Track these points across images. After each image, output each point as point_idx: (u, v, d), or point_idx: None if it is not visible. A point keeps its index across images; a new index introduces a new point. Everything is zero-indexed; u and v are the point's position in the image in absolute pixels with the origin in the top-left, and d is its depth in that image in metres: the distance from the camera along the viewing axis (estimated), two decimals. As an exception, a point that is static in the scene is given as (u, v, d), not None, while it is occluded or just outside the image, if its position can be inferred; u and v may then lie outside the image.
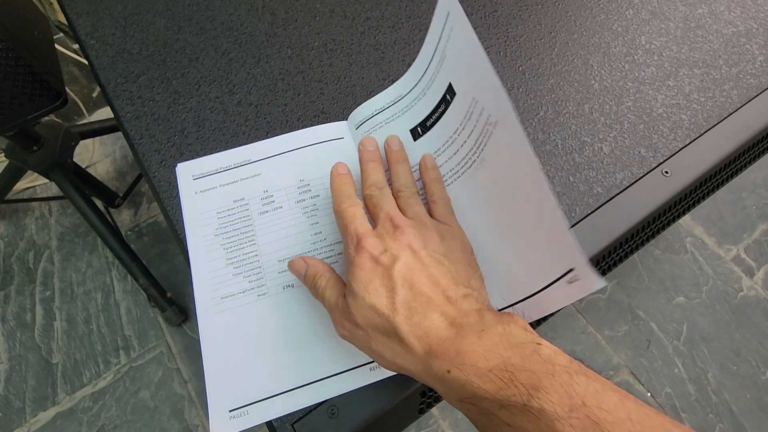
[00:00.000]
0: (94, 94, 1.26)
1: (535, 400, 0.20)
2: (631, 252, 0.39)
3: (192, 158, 0.38)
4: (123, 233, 1.13)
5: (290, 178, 0.36)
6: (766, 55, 0.44)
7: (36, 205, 1.20)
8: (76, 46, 1.15)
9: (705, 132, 0.39)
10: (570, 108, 0.41)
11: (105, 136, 1.23)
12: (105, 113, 1.28)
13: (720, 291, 1.08)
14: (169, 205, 0.36)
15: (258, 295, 0.32)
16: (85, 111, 1.20)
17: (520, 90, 0.42)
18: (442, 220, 0.30)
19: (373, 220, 0.30)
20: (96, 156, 1.25)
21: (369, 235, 0.28)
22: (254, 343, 0.31)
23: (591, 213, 0.36)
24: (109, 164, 1.24)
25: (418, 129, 0.35)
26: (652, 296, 1.07)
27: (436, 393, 0.33)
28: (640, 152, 0.39)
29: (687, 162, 0.38)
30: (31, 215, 1.19)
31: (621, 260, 0.38)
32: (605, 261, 0.36)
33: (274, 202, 0.35)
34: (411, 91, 0.37)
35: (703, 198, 0.41)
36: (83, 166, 1.20)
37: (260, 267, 0.33)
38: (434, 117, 0.34)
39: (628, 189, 0.37)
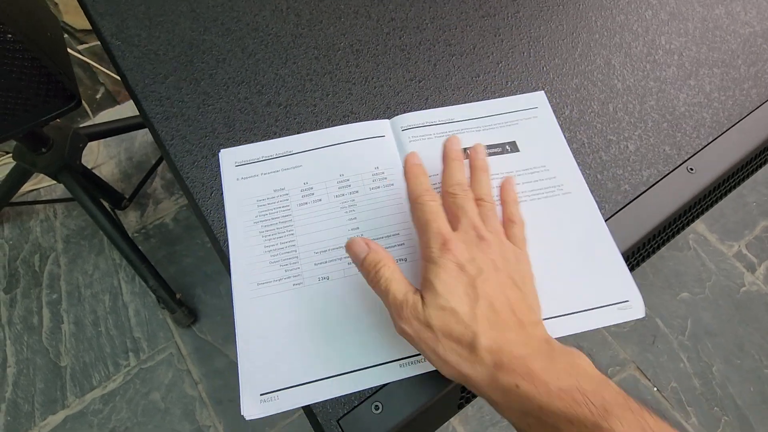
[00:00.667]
0: (98, 96, 1.25)
1: (606, 421, 0.21)
2: (659, 247, 0.40)
3: (224, 159, 0.38)
4: (130, 235, 1.13)
5: (330, 172, 0.37)
6: (782, 55, 0.45)
7: (41, 208, 1.19)
8: (80, 47, 1.15)
9: (727, 130, 0.40)
10: (594, 107, 0.42)
11: (109, 138, 1.22)
12: (108, 115, 1.27)
13: (723, 286, 1.10)
14: (204, 205, 0.36)
15: (294, 285, 0.33)
16: (90, 112, 1.20)
17: (545, 89, 0.43)
18: (517, 244, 0.30)
19: (451, 220, 0.29)
20: (101, 158, 1.24)
21: (456, 239, 0.27)
22: (288, 331, 0.31)
23: (620, 210, 0.37)
24: (114, 166, 1.24)
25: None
26: (656, 292, 1.09)
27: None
28: (664, 150, 0.39)
29: (711, 159, 0.39)
30: (36, 218, 1.18)
31: (650, 255, 0.39)
32: (634, 257, 0.37)
33: (313, 194, 0.36)
34: (465, 121, 0.40)
35: (726, 194, 0.42)
36: (88, 168, 1.20)
37: (297, 257, 0.33)
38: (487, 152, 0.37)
39: (655, 186, 0.38)
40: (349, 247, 0.30)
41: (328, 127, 0.39)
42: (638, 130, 0.40)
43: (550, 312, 0.31)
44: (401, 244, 0.34)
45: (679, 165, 0.39)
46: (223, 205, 0.36)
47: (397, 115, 0.40)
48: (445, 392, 0.30)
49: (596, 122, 0.41)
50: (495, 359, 0.24)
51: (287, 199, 0.36)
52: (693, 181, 0.38)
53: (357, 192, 0.36)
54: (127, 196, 1.12)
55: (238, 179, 0.37)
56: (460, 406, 0.34)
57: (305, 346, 0.31)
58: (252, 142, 0.39)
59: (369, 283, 0.29)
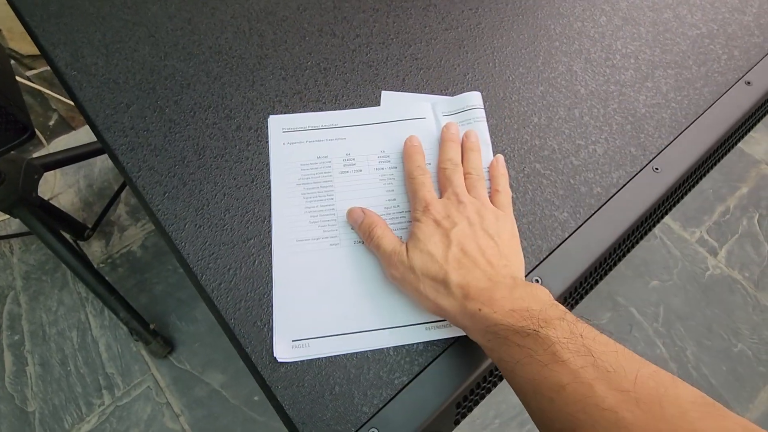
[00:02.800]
0: (51, 123, 1.19)
1: (544, 330, 0.26)
2: (635, 244, 0.41)
3: (195, 188, 0.37)
4: (95, 266, 1.08)
5: (373, 146, 0.39)
6: (728, 54, 0.47)
7: (-5, 245, 1.12)
8: (28, 73, 1.09)
9: (686, 129, 0.42)
10: (561, 113, 0.43)
11: (67, 166, 1.17)
12: (64, 142, 1.22)
13: (689, 272, 1.15)
14: (177, 238, 0.35)
15: (330, 245, 0.35)
16: (43, 140, 1.14)
17: (513, 98, 0.43)
18: (501, 208, 0.35)
19: (441, 191, 0.36)
20: (58, 187, 1.18)
21: (436, 202, 0.34)
22: (322, 286, 0.34)
23: (595, 212, 0.38)
24: (73, 195, 1.18)
25: None
26: (629, 282, 1.13)
27: (469, 404, 0.34)
28: (630, 151, 0.41)
29: (674, 158, 0.41)
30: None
31: (626, 253, 0.40)
32: (611, 257, 0.38)
33: (355, 164, 0.38)
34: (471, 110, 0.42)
35: (691, 189, 0.44)
36: (45, 198, 1.14)
37: (335, 220, 0.36)
38: None
39: (625, 187, 0.39)
40: (348, 216, 0.36)
41: None
42: (604, 134, 0.42)
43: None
44: None
45: (645, 165, 0.40)
46: (200, 235, 0.35)
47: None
48: (441, 410, 0.30)
49: (564, 128, 0.42)
50: (464, 292, 0.30)
51: (329, 166, 0.38)
52: (659, 180, 0.39)
53: (396, 168, 0.38)
54: (90, 226, 1.07)
55: (284, 144, 0.39)
56: (456, 422, 0.33)
57: (338, 302, 0.33)
58: (224, 168, 0.38)
59: (365, 242, 0.35)
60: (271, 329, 0.32)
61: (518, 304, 0.28)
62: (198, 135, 0.40)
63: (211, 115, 0.41)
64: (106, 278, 0.94)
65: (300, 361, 0.31)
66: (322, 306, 0.33)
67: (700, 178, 0.44)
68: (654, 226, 0.41)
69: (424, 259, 0.31)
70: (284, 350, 0.31)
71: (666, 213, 0.42)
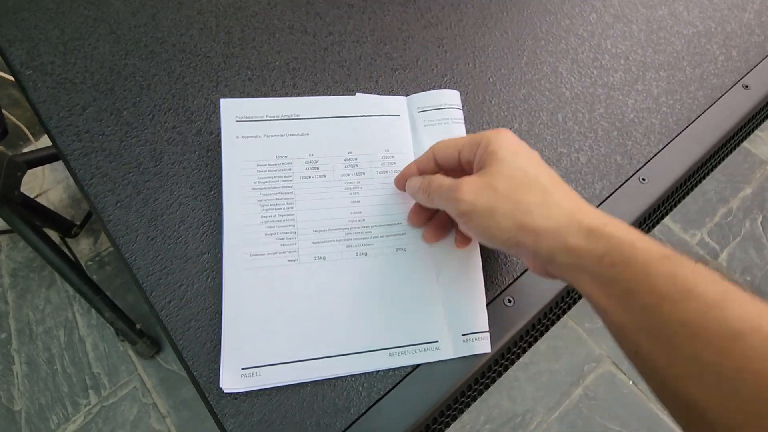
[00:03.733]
0: (41, 118, 1.18)
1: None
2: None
3: (150, 197, 0.35)
4: (83, 264, 1.06)
5: (339, 146, 0.36)
6: (726, 55, 0.44)
7: (-17, 241, 1.11)
8: (16, 68, 1.07)
9: (676, 136, 0.40)
10: (543, 118, 0.40)
11: (56, 162, 1.15)
12: (54, 137, 1.20)
13: (688, 275, 1.12)
14: (128, 251, 0.33)
15: (288, 260, 0.32)
16: (30, 136, 1.12)
17: (493, 102, 0.41)
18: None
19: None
20: (47, 183, 1.17)
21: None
22: (277, 307, 0.31)
23: (574, 226, 0.35)
24: (62, 191, 1.17)
25: None
26: (626, 285, 1.10)
27: (446, 419, 0.32)
28: (616, 160, 0.38)
29: (662, 167, 0.38)
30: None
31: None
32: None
33: (318, 168, 0.35)
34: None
35: (680, 201, 0.41)
36: (33, 195, 1.12)
37: (294, 233, 0.33)
38: None
39: (608, 199, 0.37)
40: (408, 187, 0.32)
41: None
42: (589, 140, 0.39)
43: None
44: (402, 234, 0.34)
45: (631, 176, 0.38)
46: (152, 248, 0.33)
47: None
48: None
49: (546, 134, 0.39)
50: (573, 203, 0.26)
51: (290, 169, 0.35)
52: (645, 192, 0.37)
53: (363, 174, 0.35)
54: (78, 223, 1.06)
55: (238, 137, 0.35)
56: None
57: (293, 325, 0.31)
58: (182, 175, 0.36)
59: (437, 197, 0.29)
60: (220, 353, 0.30)
61: (635, 230, 0.24)
62: (156, 140, 0.38)
63: (171, 118, 0.39)
64: (94, 276, 0.93)
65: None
66: (276, 329, 0.31)
67: (691, 189, 0.42)
68: (639, 240, 0.39)
69: (519, 163, 0.27)
70: (232, 380, 0.29)
71: (653, 226, 0.39)
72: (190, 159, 0.37)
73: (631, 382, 0.99)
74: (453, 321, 0.31)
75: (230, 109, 0.36)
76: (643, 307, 0.21)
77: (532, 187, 0.25)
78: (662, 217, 0.40)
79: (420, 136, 0.37)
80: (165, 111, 0.39)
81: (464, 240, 0.32)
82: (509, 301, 0.33)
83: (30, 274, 1.07)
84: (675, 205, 0.41)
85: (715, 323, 0.19)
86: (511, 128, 0.39)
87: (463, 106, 0.40)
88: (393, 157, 0.36)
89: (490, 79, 0.42)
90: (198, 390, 0.30)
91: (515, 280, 0.33)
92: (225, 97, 0.40)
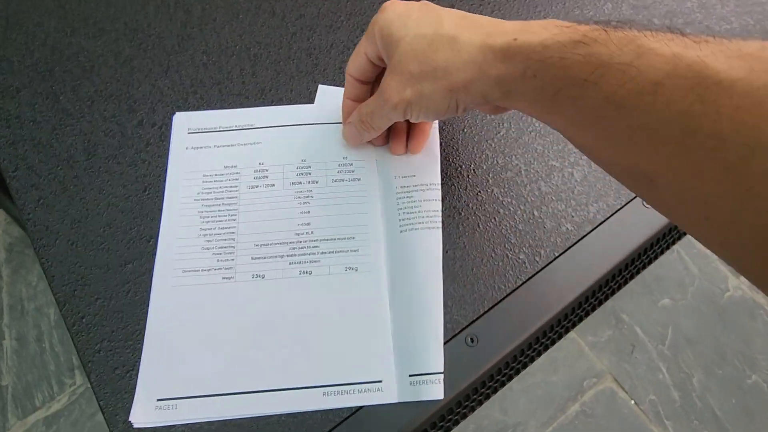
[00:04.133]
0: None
1: (600, 33, 0.20)
2: (605, 299, 0.33)
3: (77, 195, 0.31)
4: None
5: (292, 155, 0.33)
6: (763, 57, 0.38)
7: (-19, 214, 1.11)
8: None
9: (693, 152, 0.33)
10: (536, 125, 0.35)
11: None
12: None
13: (705, 291, 1.04)
14: (45, 255, 0.29)
15: (223, 278, 0.29)
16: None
17: (479, 102, 0.35)
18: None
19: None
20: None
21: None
22: (204, 331, 0.28)
23: (558, 256, 0.30)
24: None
25: None
26: (636, 298, 1.03)
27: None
28: (617, 178, 0.33)
29: (672, 189, 0.32)
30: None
31: (592, 310, 0.33)
32: (575, 313, 0.31)
33: (267, 177, 0.32)
34: None
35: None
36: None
37: (233, 247, 0.30)
38: None
39: (603, 224, 0.31)
40: (349, 139, 0.32)
41: None
42: (587, 153, 0.33)
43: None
44: (354, 251, 0.30)
45: (634, 198, 0.32)
46: (72, 253, 0.29)
47: None
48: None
49: (537, 143, 0.34)
50: (481, 34, 0.24)
51: (237, 179, 0.32)
52: (649, 218, 0.31)
53: (317, 182, 0.32)
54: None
55: (187, 148, 0.33)
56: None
57: (220, 353, 0.27)
58: (115, 172, 0.32)
59: (375, 122, 0.29)
60: (134, 381, 0.26)
61: (553, 28, 0.21)
62: (92, 130, 0.34)
63: (112, 106, 0.35)
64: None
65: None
66: (201, 357, 0.27)
67: (707, 215, 0.36)
68: (636, 274, 0.33)
69: (413, 40, 0.25)
70: (144, 413, 0.25)
71: (654, 259, 0.34)
72: (126, 154, 0.33)
73: (632, 401, 0.94)
74: (401, 358, 0.27)
75: (183, 121, 0.34)
76: (575, 105, 0.20)
77: (438, 46, 0.24)
78: (667, 248, 0.34)
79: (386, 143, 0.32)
80: (106, 98, 0.35)
81: (419, 135, 0.31)
82: (472, 340, 0.28)
83: (25, 250, 1.07)
84: (684, 235, 0.35)
85: (631, 84, 0.18)
86: (496, 134, 0.34)
87: (441, 107, 0.34)
88: (351, 164, 0.32)
89: (479, 76, 0.36)
90: (106, 421, 0.26)
91: (480, 315, 0.28)
92: (174, 83, 0.35)
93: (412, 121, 0.28)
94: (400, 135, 0.32)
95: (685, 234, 0.35)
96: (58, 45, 0.37)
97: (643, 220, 0.31)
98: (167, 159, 0.32)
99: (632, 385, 0.95)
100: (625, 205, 0.32)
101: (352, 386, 0.26)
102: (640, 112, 0.18)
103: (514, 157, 0.33)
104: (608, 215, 0.31)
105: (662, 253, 0.34)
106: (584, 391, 0.95)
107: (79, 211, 0.31)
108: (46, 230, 0.30)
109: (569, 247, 0.30)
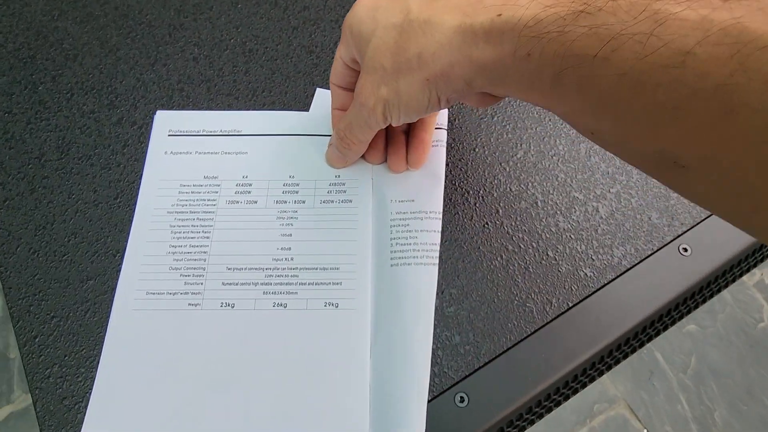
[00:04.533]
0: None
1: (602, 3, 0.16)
2: (624, 358, 0.29)
3: (44, 198, 0.29)
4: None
5: (279, 168, 0.29)
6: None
7: None
8: None
9: (745, 192, 0.28)
10: (560, 148, 0.30)
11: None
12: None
13: (738, 320, 0.97)
14: (3, 264, 0.27)
15: (189, 304, 0.26)
16: None
17: (496, 119, 0.31)
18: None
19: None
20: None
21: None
22: (165, 365, 0.25)
23: (572, 307, 0.26)
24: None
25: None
26: (659, 323, 0.97)
27: None
28: (650, 218, 0.28)
29: (715, 236, 0.27)
30: None
31: (607, 370, 0.28)
32: (586, 374, 0.26)
33: (250, 192, 0.29)
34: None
35: (733, 281, 0.30)
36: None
37: (203, 269, 0.27)
38: None
39: (629, 272, 0.27)
40: (332, 160, 0.29)
41: None
42: (617, 186, 0.29)
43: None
44: (337, 284, 0.26)
45: (669, 242, 0.27)
46: (32, 264, 0.27)
47: None
48: None
49: (559, 170, 0.29)
50: (456, 12, 0.20)
51: (216, 192, 0.29)
52: (686, 268, 0.27)
53: (303, 202, 0.28)
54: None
55: (166, 152, 0.30)
56: None
57: (178, 392, 0.24)
58: (87, 174, 0.30)
59: (356, 135, 0.26)
60: (82, 416, 0.24)
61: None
62: (68, 126, 0.31)
63: (92, 100, 0.32)
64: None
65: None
66: (158, 395, 0.24)
67: (755, 265, 0.31)
68: (663, 330, 0.29)
69: (382, 32, 0.22)
70: None
71: (686, 314, 0.29)
72: (102, 154, 0.30)
73: (645, 430, 0.88)
74: (379, 415, 0.23)
75: (164, 121, 0.31)
76: (583, 87, 0.17)
77: (410, 34, 0.21)
78: (702, 302, 0.29)
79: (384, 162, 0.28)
80: (87, 90, 0.32)
81: (418, 146, 0.28)
82: (462, 399, 0.24)
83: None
84: (726, 286, 0.30)
85: (653, 57, 0.15)
86: (512, 156, 0.29)
87: (452, 121, 0.30)
88: (344, 184, 0.28)
89: (499, 86, 0.32)
90: (48, 456, 0.24)
91: (475, 371, 0.25)
92: (160, 77, 0.32)
93: (394, 124, 0.24)
94: (398, 149, 0.28)
95: (730, 283, 0.30)
96: (43, 29, 0.34)
97: (678, 270, 0.27)
98: (143, 163, 0.29)
99: (647, 414, 0.90)
100: (658, 250, 0.27)
101: None
102: (666, 89, 0.15)
103: (530, 185, 0.29)
104: (636, 261, 0.27)
105: (696, 307, 0.29)
106: (594, 416, 0.90)
107: (44, 216, 0.28)
108: (8, 235, 0.28)
109: (586, 297, 0.26)
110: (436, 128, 0.29)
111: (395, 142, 0.28)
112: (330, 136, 0.30)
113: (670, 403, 0.90)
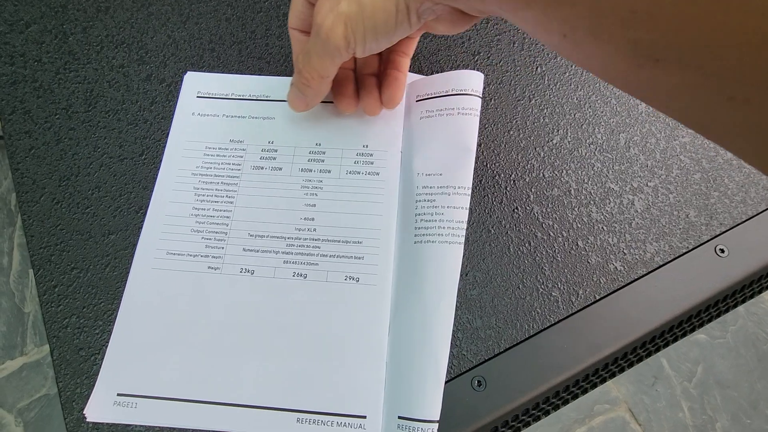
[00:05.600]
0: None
1: None
2: (647, 356, 0.28)
3: (70, 150, 0.29)
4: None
5: (307, 135, 0.29)
6: None
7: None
8: None
9: (791, 196, 0.27)
10: (598, 137, 0.29)
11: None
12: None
13: (749, 333, 0.95)
14: (27, 211, 0.27)
15: (208, 267, 0.26)
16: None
17: (533, 100, 0.30)
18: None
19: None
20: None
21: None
22: (180, 325, 0.25)
23: (600, 299, 0.25)
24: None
25: None
26: (668, 329, 0.96)
27: None
28: (687, 215, 0.27)
29: (754, 238, 0.26)
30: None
31: (629, 367, 0.28)
32: (607, 368, 0.26)
33: (275, 159, 0.28)
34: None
35: (768, 288, 0.29)
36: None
37: (225, 233, 0.27)
38: None
39: (661, 269, 0.26)
40: (294, 103, 0.26)
41: None
42: (655, 180, 0.28)
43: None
44: (359, 258, 0.26)
45: (706, 242, 0.26)
46: (55, 213, 0.27)
47: None
48: None
49: (595, 159, 0.28)
50: None
51: (242, 156, 0.28)
52: (721, 269, 0.26)
53: (329, 172, 0.28)
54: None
55: (193, 114, 0.30)
56: None
57: (191, 352, 0.24)
58: (114, 129, 0.29)
59: (311, 68, 0.23)
60: (98, 367, 0.24)
61: None
62: (96, 78, 0.30)
63: (122, 54, 0.31)
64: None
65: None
66: (172, 354, 0.24)
67: (792, 273, 0.29)
68: (690, 332, 0.28)
69: None
70: (100, 407, 0.23)
71: (716, 317, 0.28)
72: (129, 110, 0.30)
73: (645, 435, 0.88)
74: (393, 394, 0.23)
75: (193, 83, 0.30)
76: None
77: None
78: (735, 306, 0.28)
79: (413, 131, 0.27)
80: (117, 44, 0.32)
81: (392, 83, 0.26)
82: (479, 383, 0.24)
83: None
84: (759, 292, 0.29)
85: None
86: (548, 141, 0.28)
87: (486, 100, 0.29)
88: (371, 155, 0.27)
89: (538, 69, 0.31)
90: (61, 404, 0.24)
91: (494, 356, 0.24)
92: (191, 36, 0.31)
93: (359, 53, 0.22)
94: (371, 90, 0.26)
95: (762, 290, 0.29)
96: (75, -21, 0.34)
97: (713, 271, 0.26)
98: (171, 123, 0.29)
99: (647, 418, 0.89)
100: (693, 249, 0.26)
101: (331, 417, 0.23)
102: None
103: (564, 172, 0.28)
104: (669, 259, 0.26)
105: (727, 311, 0.28)
106: (593, 416, 0.89)
107: (69, 168, 0.28)
108: (33, 184, 0.28)
109: (614, 291, 0.25)
110: (468, 94, 0.27)
111: (366, 84, 0.27)
112: None
113: (671, 409, 0.90)
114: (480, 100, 0.27)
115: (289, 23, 0.25)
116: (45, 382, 0.92)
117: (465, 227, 0.25)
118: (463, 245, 0.25)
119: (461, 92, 0.27)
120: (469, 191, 0.26)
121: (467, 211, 0.25)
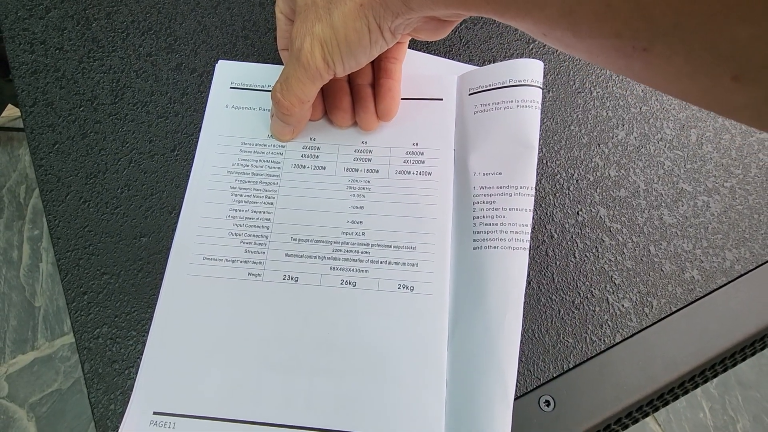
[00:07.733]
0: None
1: None
2: (723, 371, 0.26)
3: (96, 145, 0.27)
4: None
5: (351, 133, 0.27)
6: None
7: (31, 135, 1.12)
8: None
9: None
10: (667, 132, 0.27)
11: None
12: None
13: (773, 333, 0.93)
14: (51, 212, 0.25)
15: (249, 274, 0.24)
16: None
17: (595, 92, 0.28)
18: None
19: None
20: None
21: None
22: (220, 338, 0.23)
23: (675, 311, 0.23)
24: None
25: None
26: (690, 328, 0.94)
27: None
28: (769, 219, 0.25)
29: (844, 245, 0.24)
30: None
31: (703, 383, 0.26)
32: (682, 386, 0.24)
33: (318, 157, 0.26)
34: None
35: None
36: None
37: (266, 237, 0.25)
38: None
39: (742, 278, 0.24)
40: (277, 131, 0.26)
41: None
42: (732, 180, 0.25)
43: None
44: (413, 265, 0.24)
45: (790, 249, 0.24)
46: (82, 214, 0.25)
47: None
48: None
49: (665, 157, 0.26)
50: None
51: (281, 153, 0.26)
52: (807, 279, 0.23)
53: (377, 172, 0.26)
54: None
55: (227, 106, 0.28)
56: None
57: (233, 368, 0.22)
58: (143, 122, 0.27)
59: (289, 93, 0.23)
60: (132, 382, 0.22)
61: None
62: (123, 68, 0.28)
63: (149, 42, 0.29)
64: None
65: (156, 439, 0.21)
66: (212, 369, 0.22)
67: None
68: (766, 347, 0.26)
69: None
70: (134, 427, 0.21)
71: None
72: (159, 102, 0.28)
73: (665, 436, 0.86)
74: (456, 417, 0.21)
75: (226, 71, 0.28)
76: None
77: None
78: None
79: (466, 127, 0.25)
80: (144, 31, 0.29)
81: (386, 95, 0.25)
82: (547, 403, 0.22)
83: (67, 178, 1.08)
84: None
85: None
86: (612, 137, 0.26)
87: (546, 91, 0.27)
88: (422, 153, 0.25)
89: (598, 58, 0.28)
90: (95, 421, 0.22)
91: (563, 373, 0.22)
92: (223, 22, 0.29)
93: (339, 73, 0.22)
94: (366, 103, 0.25)
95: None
96: (97, -39, 0.31)
97: (797, 282, 0.23)
98: (203, 116, 0.27)
99: (667, 419, 0.87)
100: (776, 257, 0.24)
101: None
102: None
103: (632, 171, 0.26)
104: (751, 267, 0.24)
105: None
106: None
107: (96, 164, 0.26)
108: (58, 182, 0.26)
109: (692, 302, 0.23)
110: (527, 85, 0.25)
111: (362, 96, 0.25)
112: (410, 99, 0.27)
113: (692, 410, 0.88)
114: (541, 91, 0.25)
115: (279, 45, 0.25)
116: (57, 376, 0.92)
117: (529, 231, 0.23)
118: (527, 250, 0.23)
119: (520, 83, 0.25)
120: (533, 191, 0.24)
121: (531, 213, 0.23)
